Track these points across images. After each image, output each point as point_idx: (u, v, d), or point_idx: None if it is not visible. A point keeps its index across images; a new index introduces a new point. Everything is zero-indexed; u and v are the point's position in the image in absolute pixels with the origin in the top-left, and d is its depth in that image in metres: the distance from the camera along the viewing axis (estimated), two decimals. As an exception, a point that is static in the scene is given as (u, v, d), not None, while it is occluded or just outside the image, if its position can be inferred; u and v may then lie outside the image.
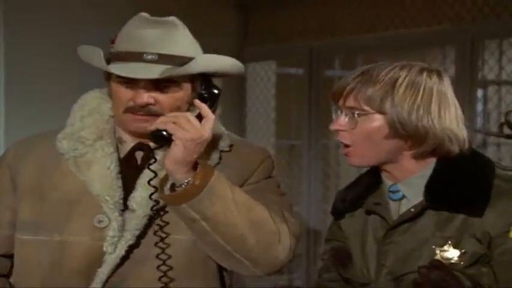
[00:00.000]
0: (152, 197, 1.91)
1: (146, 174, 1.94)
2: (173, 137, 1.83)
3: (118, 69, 1.89)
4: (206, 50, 1.98)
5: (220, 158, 1.99)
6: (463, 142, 1.83)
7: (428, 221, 1.82)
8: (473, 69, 4.32)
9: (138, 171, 1.96)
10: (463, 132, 1.83)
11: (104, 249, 1.91)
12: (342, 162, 5.38)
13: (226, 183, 1.88)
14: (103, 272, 1.92)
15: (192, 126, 1.83)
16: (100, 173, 1.95)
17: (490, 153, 4.53)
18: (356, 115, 1.82)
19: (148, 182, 1.91)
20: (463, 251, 1.77)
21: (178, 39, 1.92)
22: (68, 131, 2.02)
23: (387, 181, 1.90)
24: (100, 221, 1.93)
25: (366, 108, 1.82)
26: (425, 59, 5.06)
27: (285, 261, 1.96)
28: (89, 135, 1.99)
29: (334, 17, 5.00)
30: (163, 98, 1.90)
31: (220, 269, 2.02)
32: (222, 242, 1.88)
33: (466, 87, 4.33)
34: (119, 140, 2.00)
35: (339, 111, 1.87)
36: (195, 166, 1.86)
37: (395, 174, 1.88)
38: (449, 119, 1.81)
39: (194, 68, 1.90)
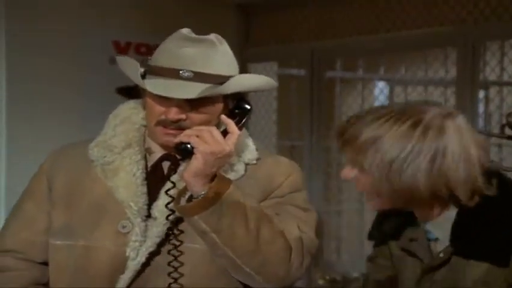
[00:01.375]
0: (169, 206, 1.93)
1: (169, 184, 1.96)
2: (194, 150, 1.85)
3: (153, 85, 1.91)
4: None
5: (245, 171, 2.00)
6: (475, 185, 1.73)
7: (457, 265, 1.76)
8: (474, 71, 4.32)
9: (163, 180, 1.99)
10: (471, 177, 1.72)
11: (127, 254, 1.94)
12: (344, 163, 5.38)
13: (241, 197, 1.90)
14: (124, 279, 1.94)
15: (213, 140, 1.85)
16: (126, 179, 1.99)
17: (491, 154, 4.52)
18: (353, 170, 1.79)
19: (166, 192, 1.94)
20: None
21: (215, 57, 1.93)
22: (100, 139, 2.06)
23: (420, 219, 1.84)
24: (123, 227, 1.97)
25: (359, 160, 1.76)
26: (426, 60, 5.07)
27: (297, 277, 1.97)
28: (118, 143, 2.03)
29: (335, 19, 5.00)
30: (195, 115, 1.93)
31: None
32: (232, 255, 1.89)
33: (468, 89, 4.34)
34: (148, 150, 2.04)
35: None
36: (214, 179, 1.88)
37: (419, 215, 1.82)
38: (445, 168, 1.70)
39: (228, 89, 1.92)
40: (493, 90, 4.75)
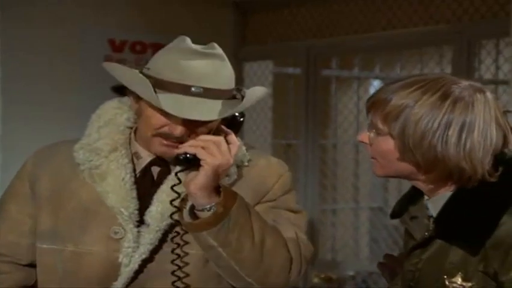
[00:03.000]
0: (173, 216, 1.90)
1: (163, 190, 1.94)
2: (202, 162, 1.81)
3: (168, 104, 1.84)
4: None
5: (238, 174, 1.98)
6: (484, 169, 1.70)
7: (442, 247, 1.75)
8: (469, 69, 4.32)
9: (154, 186, 1.97)
10: (486, 158, 1.69)
11: (120, 260, 1.92)
12: (339, 162, 5.39)
13: (247, 209, 1.87)
14: (116, 286, 1.93)
15: (220, 153, 1.82)
16: (115, 184, 1.96)
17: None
18: (372, 133, 1.75)
19: (171, 202, 1.90)
20: (471, 284, 1.68)
21: (222, 72, 1.90)
22: (84, 142, 2.02)
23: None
24: (115, 232, 1.94)
25: (382, 127, 1.73)
26: (421, 58, 5.07)
27: (294, 282, 1.98)
28: (104, 146, 1.99)
29: (331, 17, 5.00)
30: (199, 129, 1.89)
31: None
32: (236, 267, 1.88)
33: (463, 87, 4.33)
34: (135, 155, 2.00)
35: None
36: (217, 190, 1.85)
37: (423, 190, 1.79)
38: (470, 144, 1.68)
39: (246, 104, 1.91)
40: (488, 89, 4.74)
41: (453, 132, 1.67)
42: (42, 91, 4.57)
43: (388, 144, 1.73)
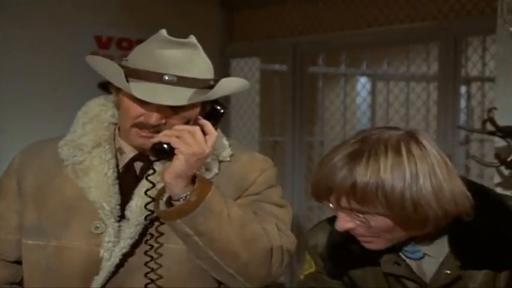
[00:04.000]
0: (148, 206, 1.91)
1: (144, 185, 1.94)
2: (176, 151, 1.82)
3: (138, 90, 1.85)
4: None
5: (219, 168, 1.98)
6: (466, 197, 1.69)
7: (468, 279, 1.72)
8: (456, 66, 4.34)
9: (136, 181, 1.97)
10: (460, 186, 1.68)
11: (101, 255, 1.93)
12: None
13: (223, 198, 1.88)
14: (98, 280, 1.93)
15: (195, 142, 1.83)
16: (97, 179, 1.96)
17: (473, 150, 4.55)
18: (360, 216, 1.66)
19: (145, 192, 1.91)
20: None
21: (197, 61, 1.91)
22: (69, 138, 2.03)
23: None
24: (96, 227, 1.95)
25: (366, 209, 1.64)
26: (408, 55, 5.08)
27: (277, 276, 1.97)
28: (88, 142, 2.00)
29: (318, 14, 5.00)
30: (175, 118, 1.90)
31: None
32: (215, 257, 1.88)
33: (449, 84, 4.35)
34: (119, 150, 2.01)
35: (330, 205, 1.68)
36: (193, 180, 1.85)
37: (422, 237, 1.75)
38: (441, 183, 1.64)
39: (215, 94, 1.90)
40: (474, 86, 4.76)
41: (424, 180, 1.63)
42: (41, 91, 4.57)
43: (385, 221, 1.66)
